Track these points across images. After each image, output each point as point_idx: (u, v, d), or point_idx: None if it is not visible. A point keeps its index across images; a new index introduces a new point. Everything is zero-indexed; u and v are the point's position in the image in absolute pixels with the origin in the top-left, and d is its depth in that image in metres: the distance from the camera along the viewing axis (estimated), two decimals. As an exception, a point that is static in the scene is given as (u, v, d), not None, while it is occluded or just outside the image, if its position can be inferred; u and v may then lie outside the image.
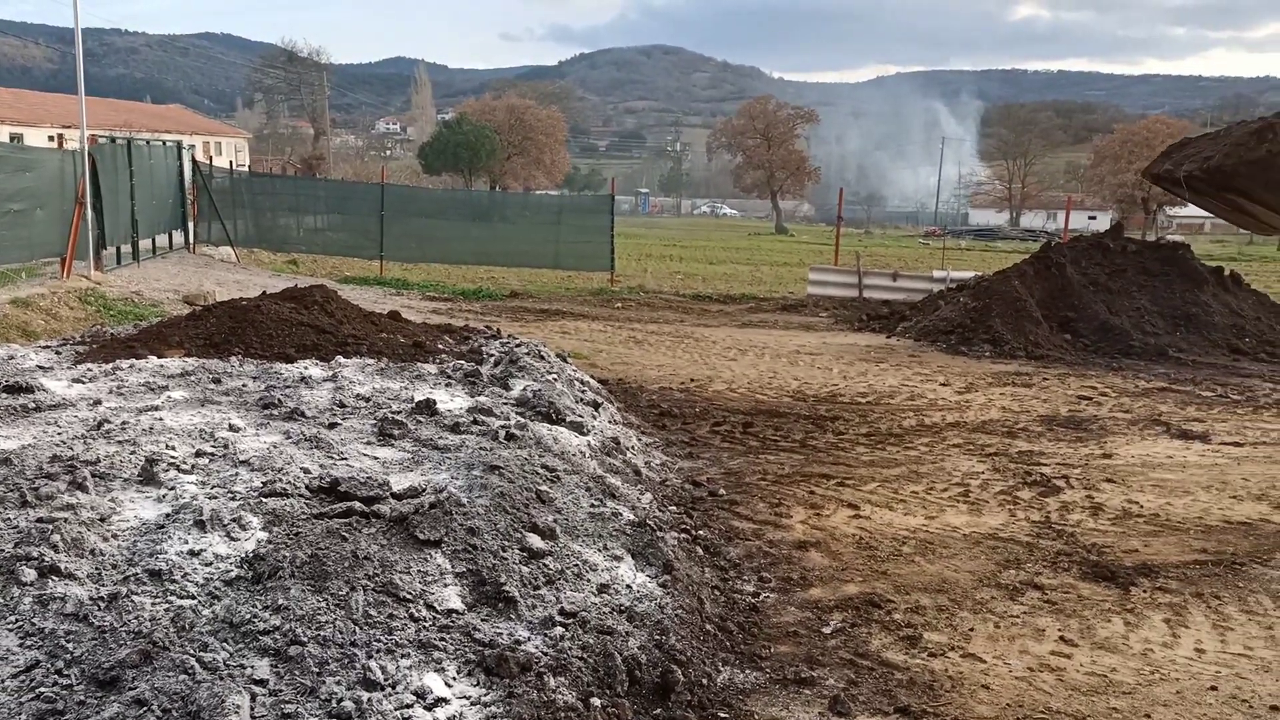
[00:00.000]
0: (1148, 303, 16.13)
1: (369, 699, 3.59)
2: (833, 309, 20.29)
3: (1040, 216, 78.42)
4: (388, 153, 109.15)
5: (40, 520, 4.37)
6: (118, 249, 18.23)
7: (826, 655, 4.84)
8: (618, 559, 5.19)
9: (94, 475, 4.92)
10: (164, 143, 23.57)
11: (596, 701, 3.92)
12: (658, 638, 4.54)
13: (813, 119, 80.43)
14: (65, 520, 4.36)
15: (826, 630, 5.14)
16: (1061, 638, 5.17)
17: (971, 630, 5.21)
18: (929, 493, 7.67)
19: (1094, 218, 65.21)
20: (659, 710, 4.10)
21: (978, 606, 5.52)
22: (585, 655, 4.17)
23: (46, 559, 4.04)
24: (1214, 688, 4.69)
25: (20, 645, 3.69)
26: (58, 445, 5.50)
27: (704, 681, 4.42)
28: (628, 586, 4.93)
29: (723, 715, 4.20)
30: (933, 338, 15.99)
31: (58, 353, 8.56)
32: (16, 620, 3.79)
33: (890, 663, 4.78)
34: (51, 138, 37.47)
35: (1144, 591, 5.83)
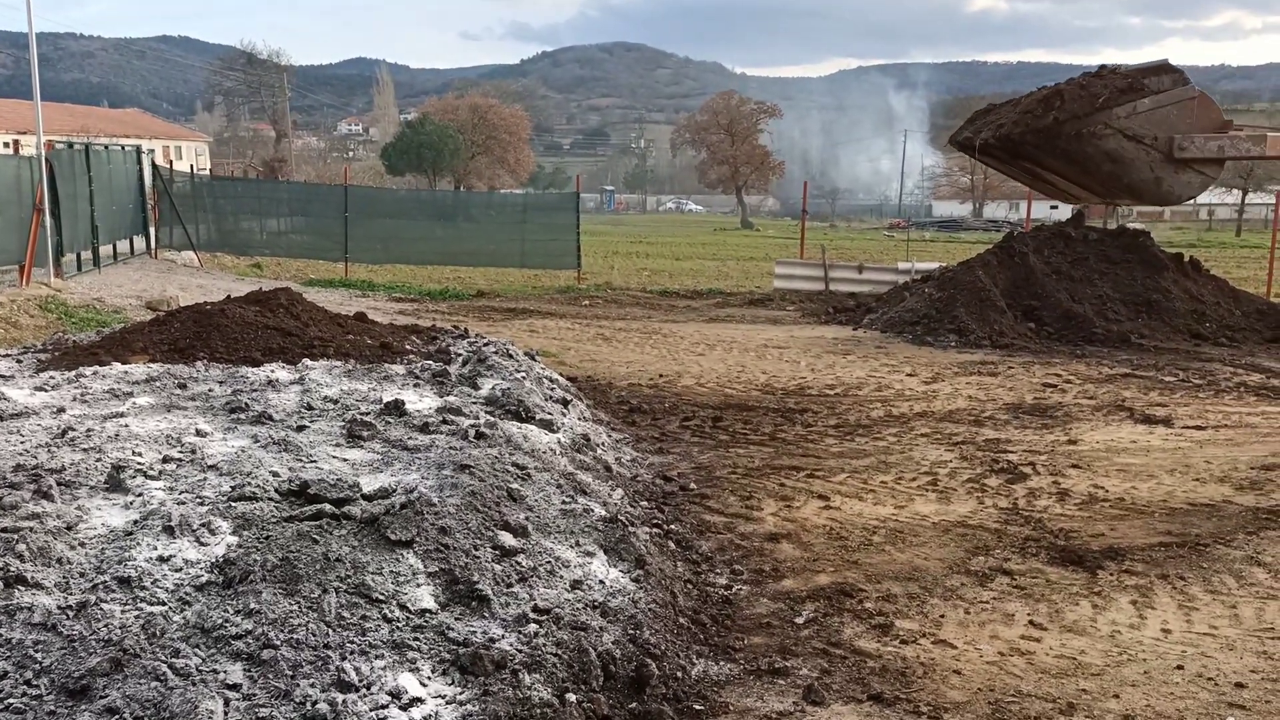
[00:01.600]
0: (1109, 290, 16.33)
1: (344, 700, 3.58)
2: (799, 302, 20.39)
3: (1003, 207, 79.13)
4: (350, 154, 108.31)
5: (4, 530, 4.31)
6: (78, 255, 17.98)
7: (800, 645, 4.88)
8: (590, 555, 5.20)
9: (59, 483, 4.87)
10: (123, 147, 23.28)
11: (572, 697, 3.94)
12: (632, 632, 4.56)
13: (775, 113, 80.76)
14: (31, 529, 4.31)
15: (799, 620, 5.18)
16: (1031, 622, 5.25)
17: (942, 617, 5.27)
18: (898, 482, 7.74)
19: (1055, 207, 65.76)
20: (634, 704, 4.11)
21: (948, 593, 5.58)
22: (560, 651, 4.18)
23: (12, 569, 3.99)
24: (1180, 667, 4.77)
25: (-12, 657, 3.64)
26: (21, 454, 5.42)
27: (679, 674, 4.45)
28: (601, 582, 4.94)
29: (698, 707, 4.23)
30: (899, 329, 16.12)
31: (19, 361, 8.44)
32: (-17, 632, 3.75)
33: (863, 651, 4.83)
34: (6, 144, 36.85)
35: (1111, 574, 5.92)
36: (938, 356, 14.00)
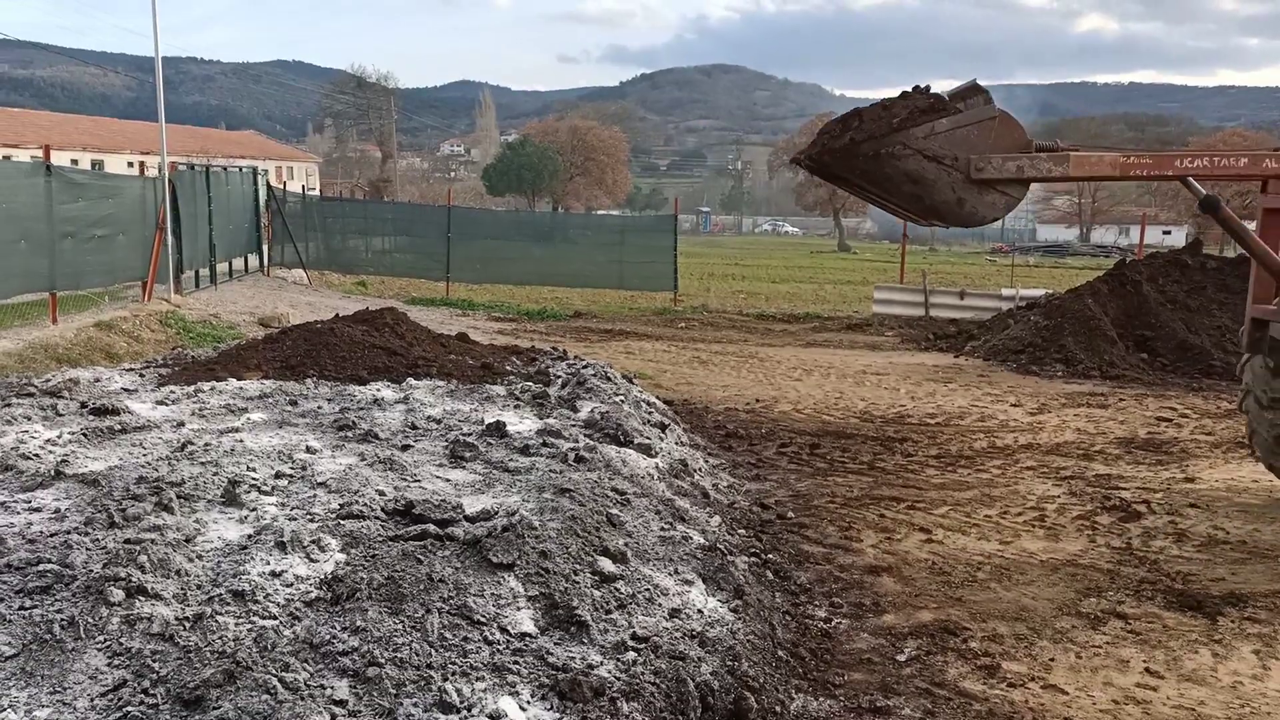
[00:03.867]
0: (1229, 321, 15.68)
1: (445, 722, 3.61)
2: (898, 328, 20.08)
3: (1112, 232, 76.73)
4: (452, 175, 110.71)
5: (128, 541, 4.48)
6: (196, 272, 18.74)
7: (902, 684, 4.76)
8: (689, 583, 5.17)
9: (179, 496, 5.05)
10: (240, 168, 24.21)
11: (670, 728, 3.90)
12: (730, 663, 4.51)
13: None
14: (152, 541, 4.48)
15: (901, 658, 5.06)
16: (1147, 669, 5.03)
17: (1052, 660, 5.09)
18: (1003, 517, 7.52)
19: (1169, 232, 63.62)
20: (732, 737, 4.06)
21: (1058, 636, 5.39)
22: (658, 681, 4.15)
23: (134, 579, 4.15)
24: (1309, 723, 4.52)
25: (109, 665, 3.79)
26: (144, 466, 5.65)
27: (777, 709, 4.38)
28: (699, 611, 4.91)
29: (797, 744, 4.15)
30: (1002, 357, 15.73)
31: (141, 375, 8.81)
32: (105, 640, 3.90)
33: (968, 693, 4.69)
34: (131, 164, 38.67)
35: (1232, 621, 5.65)
36: (1044, 386, 13.61)
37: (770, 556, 6.42)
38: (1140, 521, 7.48)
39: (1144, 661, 5.11)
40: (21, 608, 4.05)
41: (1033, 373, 14.67)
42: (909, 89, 6.39)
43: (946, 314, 20.54)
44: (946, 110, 6.23)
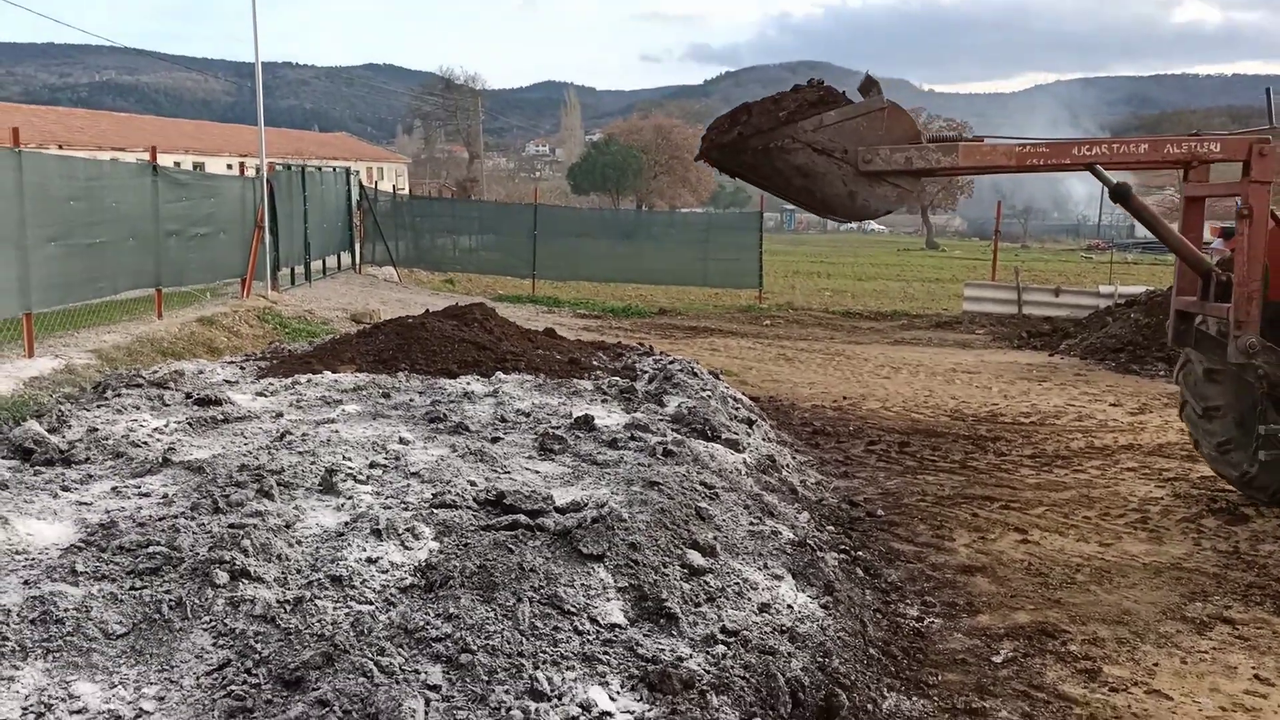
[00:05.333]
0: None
1: (536, 709, 3.64)
2: (990, 326, 19.63)
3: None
4: (537, 174, 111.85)
5: (232, 526, 4.63)
6: (291, 270, 19.25)
7: (998, 686, 4.65)
8: (778, 578, 5.13)
9: (279, 484, 5.19)
10: (334, 169, 24.80)
11: (760, 722, 3.87)
12: (820, 660, 4.45)
13: (965, 131, 78.25)
14: (254, 526, 4.61)
15: (997, 659, 4.94)
16: (1256, 676, 4.83)
17: (1156, 665, 4.92)
18: (1103, 518, 7.30)
19: None
20: (824, 734, 4.01)
21: (1162, 640, 5.21)
22: (748, 675, 4.12)
23: (238, 563, 4.28)
24: None
25: (214, 644, 3.91)
26: (245, 455, 5.82)
27: (869, 707, 4.32)
28: (789, 606, 4.86)
29: (890, 743, 4.09)
30: (1100, 356, 15.27)
31: (241, 368, 9.08)
32: (210, 620, 4.02)
33: (1068, 696, 4.56)
34: (230, 166, 39.92)
35: (1349, 630, 5.39)
36: (1144, 386, 13.17)
37: (860, 554, 6.34)
38: (1248, 525, 7.18)
39: (1253, 668, 4.91)
40: (132, 588, 4.20)
41: (1133, 372, 14.21)
42: (809, 81, 6.29)
43: (1041, 312, 20.00)
44: (837, 103, 6.11)
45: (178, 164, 25.23)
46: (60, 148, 30.66)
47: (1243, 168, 6.61)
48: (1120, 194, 6.50)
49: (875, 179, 6.19)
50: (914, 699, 4.50)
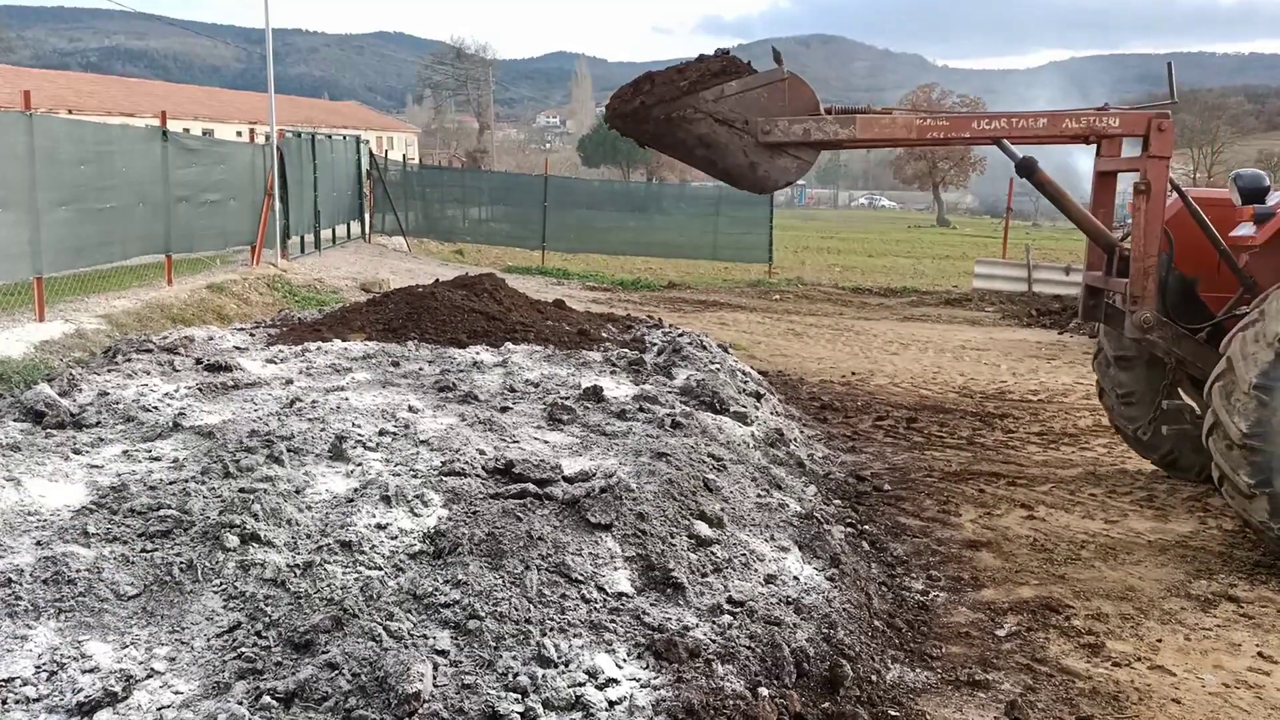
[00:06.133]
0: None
1: (543, 675, 3.67)
2: (1000, 303, 19.57)
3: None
4: (548, 146, 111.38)
5: (242, 490, 4.66)
6: (301, 238, 19.24)
7: (1001, 659, 4.68)
8: (785, 550, 5.15)
9: (289, 450, 5.22)
10: (344, 137, 24.72)
11: (765, 691, 3.90)
12: (825, 631, 4.48)
13: (979, 107, 77.66)
14: (264, 491, 4.64)
15: (1001, 633, 4.97)
16: (1260, 653, 4.85)
17: (1159, 641, 4.94)
18: (1110, 496, 7.31)
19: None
20: (827, 704, 4.04)
21: (1166, 617, 5.23)
22: (753, 645, 4.15)
23: (248, 527, 4.31)
24: None
25: (224, 607, 3.95)
26: (255, 421, 5.85)
27: (873, 678, 4.34)
28: (795, 578, 4.89)
29: (893, 713, 4.12)
30: (1110, 334, 15.22)
31: (251, 335, 9.10)
32: (221, 583, 4.06)
33: (1071, 670, 4.59)
34: (240, 133, 39.79)
35: (1354, 610, 5.39)
36: (1153, 365, 13.12)
37: (866, 527, 6.36)
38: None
39: (1257, 646, 4.93)
40: (143, 550, 4.24)
41: (1141, 351, 14.17)
42: (716, 51, 6.29)
43: (1051, 290, 19.91)
44: (740, 74, 6.11)
45: (187, 130, 25.18)
46: (70, 112, 30.60)
47: (1142, 143, 6.58)
48: (1025, 168, 6.51)
49: (776, 150, 6.23)
50: (918, 670, 4.52)
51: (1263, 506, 5.67)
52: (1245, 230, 6.61)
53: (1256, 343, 5.66)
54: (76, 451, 5.36)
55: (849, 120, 6.29)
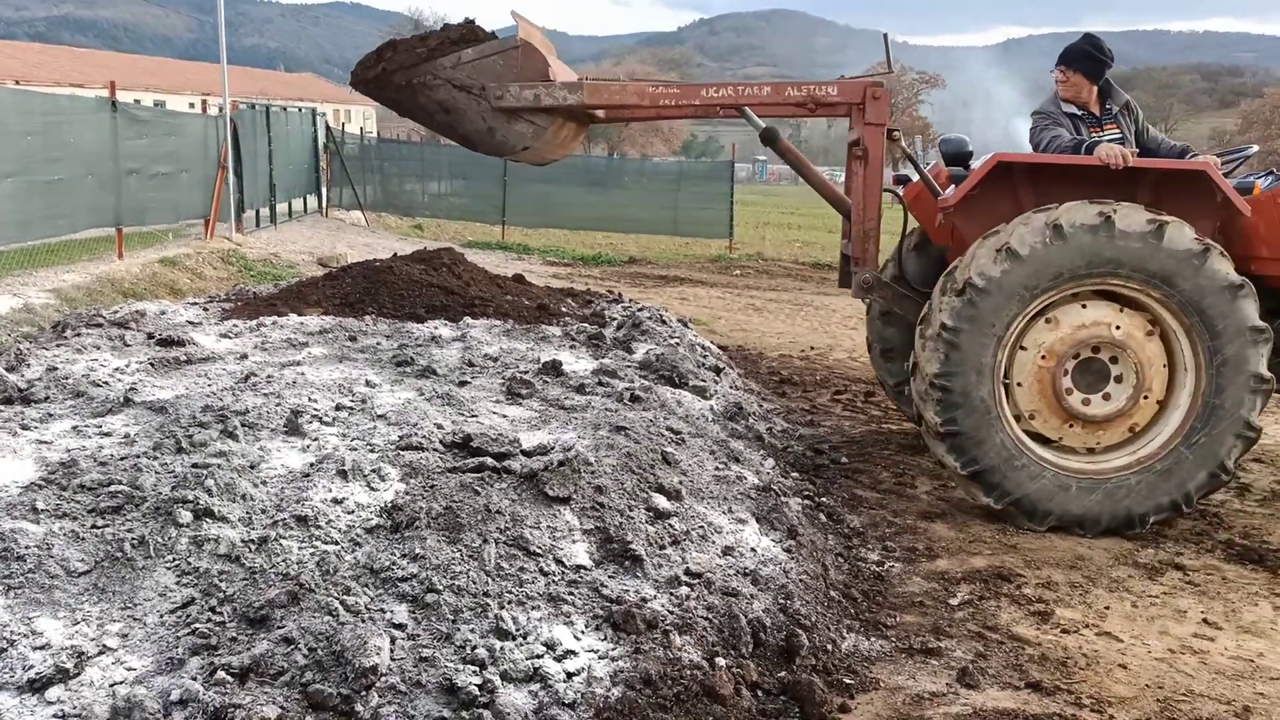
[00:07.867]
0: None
1: (501, 648, 3.68)
2: (958, 279, 19.75)
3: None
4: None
5: (195, 466, 4.60)
6: (256, 212, 18.97)
7: (954, 627, 4.76)
8: (742, 522, 5.19)
9: (243, 425, 5.16)
10: (300, 109, 24.37)
11: (721, 661, 3.95)
12: (782, 602, 4.53)
13: (938, 84, 78.12)
14: (218, 466, 4.59)
15: (954, 602, 5.05)
16: (1205, 620, 4.97)
17: (1107, 608, 5.04)
18: (1061, 467, 7.42)
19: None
20: (783, 673, 4.09)
21: (1114, 584, 5.34)
22: (710, 615, 4.19)
23: (201, 502, 4.27)
24: (1372, 679, 4.44)
25: (177, 583, 3.91)
26: (209, 396, 5.77)
27: (828, 647, 4.40)
28: (752, 550, 4.93)
29: (848, 681, 4.17)
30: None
31: (205, 309, 8.97)
32: (174, 559, 4.02)
33: (1021, 637, 4.68)
34: (192, 105, 39.07)
35: (1295, 576, 5.54)
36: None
37: (824, 500, 6.42)
38: (1202, 475, 7.33)
39: (1202, 612, 5.05)
40: (94, 526, 4.19)
41: (1095, 325, 14.38)
42: (464, 20, 6.47)
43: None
44: (479, 41, 6.30)
45: (138, 101, 24.66)
46: (17, 83, 29.85)
47: (858, 111, 6.80)
48: (769, 137, 6.75)
49: (512, 115, 6.43)
50: (872, 639, 4.59)
51: (948, 446, 5.98)
52: (948, 193, 6.87)
53: (947, 291, 5.97)
54: (25, 427, 5.27)
55: (576, 87, 6.47)
